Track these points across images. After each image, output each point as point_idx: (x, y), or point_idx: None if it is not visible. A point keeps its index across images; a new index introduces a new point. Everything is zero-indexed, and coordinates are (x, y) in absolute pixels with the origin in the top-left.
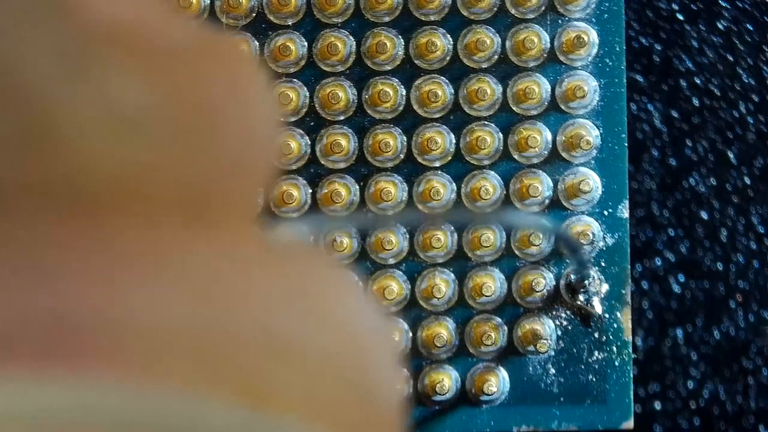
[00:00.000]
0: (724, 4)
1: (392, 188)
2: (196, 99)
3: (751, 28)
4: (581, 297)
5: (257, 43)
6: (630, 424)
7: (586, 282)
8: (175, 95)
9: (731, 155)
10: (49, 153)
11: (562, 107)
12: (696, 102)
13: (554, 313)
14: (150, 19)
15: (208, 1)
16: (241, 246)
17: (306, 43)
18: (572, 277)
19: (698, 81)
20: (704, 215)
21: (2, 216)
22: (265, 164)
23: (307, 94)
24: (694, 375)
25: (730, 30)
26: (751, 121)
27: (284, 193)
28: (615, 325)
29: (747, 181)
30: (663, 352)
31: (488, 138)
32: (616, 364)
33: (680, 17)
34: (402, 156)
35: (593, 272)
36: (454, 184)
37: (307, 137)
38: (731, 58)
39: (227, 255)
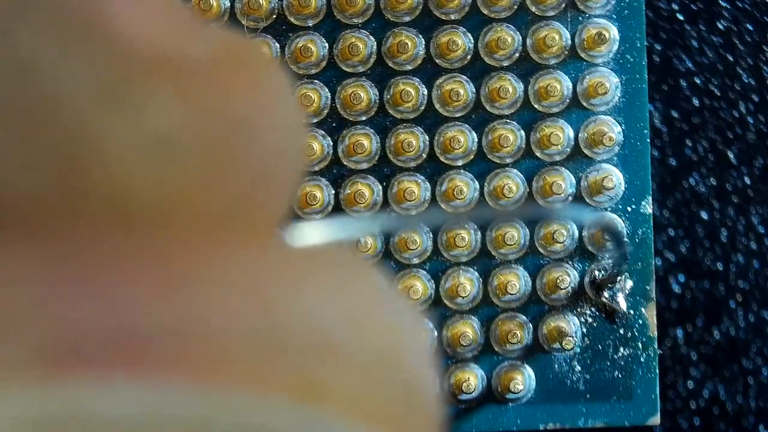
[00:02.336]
0: (724, 4)
1: (415, 188)
2: (226, 112)
3: (751, 28)
4: (606, 294)
5: (278, 45)
6: (657, 419)
7: (620, 277)
8: (205, 111)
9: (731, 155)
10: (93, 176)
11: (584, 104)
12: (696, 102)
13: (579, 310)
14: (177, 37)
15: (229, 4)
16: (279, 252)
17: (327, 44)
18: (597, 273)
19: (698, 81)
20: (704, 215)
21: (62, 234)
22: (295, 169)
23: (329, 95)
24: (694, 375)
25: (730, 30)
26: (751, 121)
27: (308, 195)
28: (640, 321)
29: (747, 181)
30: (663, 352)
31: (511, 136)
32: (642, 360)
33: (680, 17)
34: (425, 155)
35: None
36: (477, 182)
37: (329, 138)
38: (731, 58)
39: (268, 261)
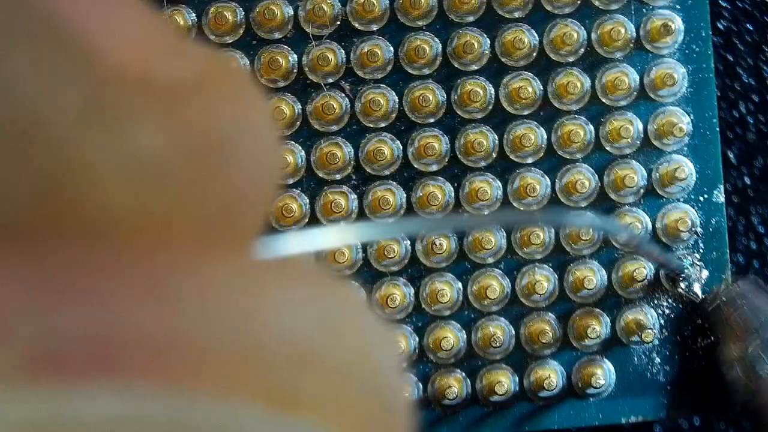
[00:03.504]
0: (724, 4)
1: (487, 187)
2: (205, 129)
3: (751, 28)
4: (682, 284)
5: (343, 51)
6: (736, 407)
7: (684, 273)
8: (185, 129)
9: (731, 155)
10: (76, 193)
11: (651, 96)
12: None
13: (656, 302)
14: (158, 57)
15: (292, 12)
16: (254, 263)
17: (392, 48)
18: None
19: None
20: None
21: (45, 247)
22: (272, 182)
23: (396, 98)
24: None
25: (730, 30)
26: (751, 121)
27: (380, 199)
28: None
29: (747, 181)
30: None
31: (580, 131)
32: None
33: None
34: (495, 154)
35: (687, 263)
36: (548, 179)
37: (398, 141)
38: (731, 58)
39: (244, 273)
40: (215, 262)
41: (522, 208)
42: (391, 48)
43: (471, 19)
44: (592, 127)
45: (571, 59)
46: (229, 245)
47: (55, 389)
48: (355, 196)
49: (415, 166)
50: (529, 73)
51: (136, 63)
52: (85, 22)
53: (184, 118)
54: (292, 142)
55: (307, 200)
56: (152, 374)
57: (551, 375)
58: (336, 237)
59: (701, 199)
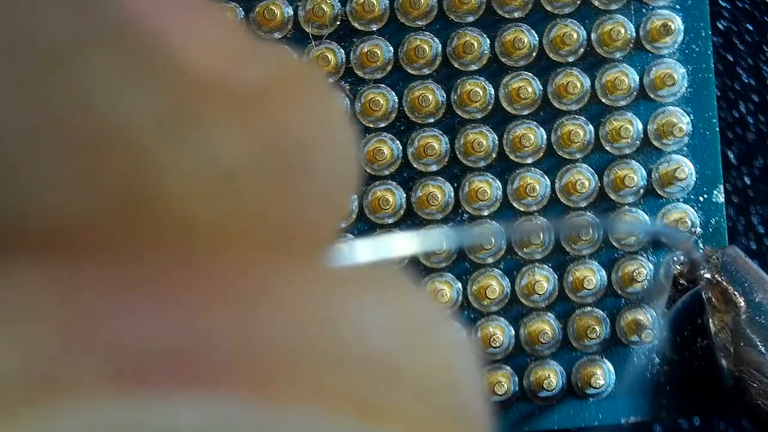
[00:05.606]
0: (724, 4)
1: (487, 188)
2: (283, 136)
3: (751, 28)
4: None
5: (343, 52)
6: (736, 408)
7: (699, 272)
8: (263, 137)
9: (731, 155)
10: (154, 202)
11: (651, 96)
12: None
13: (656, 303)
14: (237, 63)
15: (292, 12)
16: (338, 271)
17: (392, 48)
18: (675, 266)
19: None
20: None
21: (125, 257)
22: (348, 190)
23: (396, 98)
24: None
25: (730, 30)
26: (751, 121)
27: (380, 199)
28: None
29: (747, 181)
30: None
31: (580, 131)
32: None
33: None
34: (494, 154)
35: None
36: (547, 179)
37: (398, 141)
38: (731, 58)
39: (330, 281)
40: (297, 269)
41: (522, 209)
42: (391, 48)
43: (471, 19)
44: (591, 127)
45: (571, 59)
46: (307, 252)
47: (142, 399)
48: (355, 196)
49: (415, 166)
50: (529, 73)
51: (214, 68)
52: (162, 28)
53: (262, 123)
54: None
55: None
56: (239, 384)
57: (551, 375)
58: (408, 244)
59: (701, 199)
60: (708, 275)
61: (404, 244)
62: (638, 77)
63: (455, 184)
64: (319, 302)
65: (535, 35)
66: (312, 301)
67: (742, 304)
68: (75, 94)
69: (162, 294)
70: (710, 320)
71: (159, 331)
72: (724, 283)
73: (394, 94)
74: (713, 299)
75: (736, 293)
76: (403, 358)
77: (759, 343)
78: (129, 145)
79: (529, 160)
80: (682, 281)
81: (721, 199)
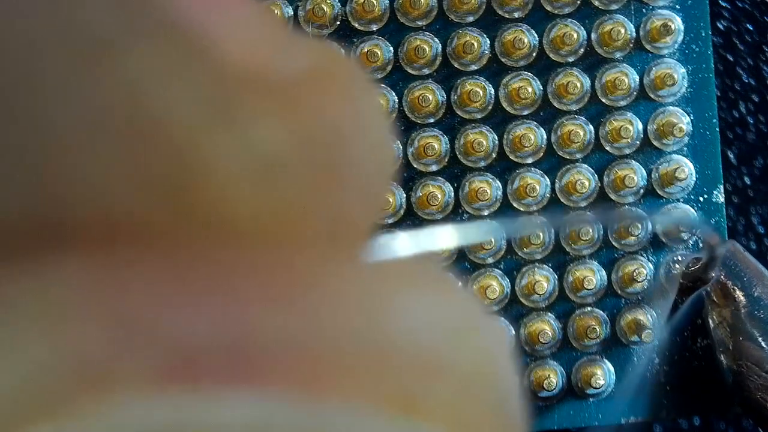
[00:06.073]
0: (724, 4)
1: (487, 188)
2: (322, 127)
3: (751, 28)
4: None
5: (343, 52)
6: (737, 408)
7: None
8: (303, 127)
9: (731, 155)
10: (200, 194)
11: (651, 96)
12: None
13: (658, 302)
14: (277, 55)
15: (292, 12)
16: (379, 265)
17: (392, 48)
18: (675, 265)
19: None
20: None
21: (172, 249)
22: (386, 181)
23: (396, 98)
24: None
25: (730, 30)
26: (751, 121)
27: None
28: None
29: (747, 181)
30: None
31: (580, 131)
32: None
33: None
34: (494, 155)
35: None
36: (547, 179)
37: (398, 141)
38: (731, 58)
39: (371, 275)
40: (341, 263)
41: (522, 209)
42: (391, 48)
43: (471, 19)
44: (591, 128)
45: (570, 59)
46: (350, 244)
47: (192, 395)
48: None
49: (415, 166)
50: (529, 74)
51: (254, 61)
52: (202, 19)
53: (301, 114)
54: None
55: None
56: (285, 379)
57: (551, 375)
58: (446, 238)
59: (701, 199)
60: (716, 275)
61: (448, 237)
62: (638, 77)
63: (455, 184)
64: (364, 297)
65: (535, 35)
66: (357, 295)
67: (741, 298)
68: (120, 86)
69: (209, 289)
70: (709, 315)
71: (206, 327)
72: (723, 278)
73: (394, 94)
74: (712, 294)
75: (735, 288)
76: (447, 354)
77: (758, 338)
78: (172, 138)
79: (529, 160)
80: (684, 281)
81: (721, 199)
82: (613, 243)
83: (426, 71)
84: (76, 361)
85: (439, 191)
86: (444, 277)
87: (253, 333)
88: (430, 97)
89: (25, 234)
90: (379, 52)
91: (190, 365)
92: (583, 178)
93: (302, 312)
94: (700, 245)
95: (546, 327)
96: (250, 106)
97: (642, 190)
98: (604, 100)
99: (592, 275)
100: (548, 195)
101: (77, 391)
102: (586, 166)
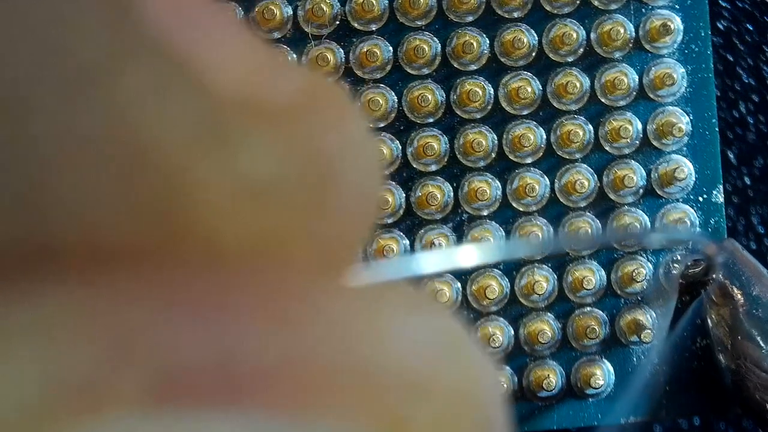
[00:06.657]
0: (724, 4)
1: (486, 187)
2: (311, 154)
3: (751, 28)
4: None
5: (342, 51)
6: (737, 408)
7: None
8: (293, 154)
9: (731, 155)
10: (189, 218)
11: (651, 96)
12: None
13: (657, 303)
14: (267, 81)
15: (291, 12)
16: (366, 289)
17: (391, 48)
18: (675, 265)
19: None
20: None
21: (162, 272)
22: (374, 210)
23: (395, 98)
24: None
25: (730, 30)
26: (751, 121)
27: (379, 200)
28: None
29: (747, 181)
30: None
31: (579, 131)
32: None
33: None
34: (494, 154)
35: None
36: (547, 178)
37: (397, 141)
38: (731, 58)
39: (359, 298)
40: (329, 285)
41: (521, 209)
42: (390, 48)
43: (470, 19)
44: (591, 127)
45: (570, 59)
46: (338, 266)
47: (180, 415)
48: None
49: (414, 166)
50: (529, 73)
51: (244, 85)
52: (193, 44)
53: (292, 139)
54: None
55: None
56: (275, 401)
57: (550, 375)
58: (438, 262)
59: (701, 199)
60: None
61: (434, 261)
62: (638, 77)
63: (455, 184)
64: (351, 319)
65: (535, 35)
66: (344, 318)
67: (740, 298)
68: (110, 110)
69: (197, 310)
70: (708, 315)
71: (195, 348)
72: (722, 277)
73: (393, 93)
74: (711, 294)
75: (733, 287)
76: (432, 375)
77: (757, 337)
78: (162, 162)
79: (529, 160)
80: (684, 281)
81: (721, 199)
82: (613, 243)
83: (425, 71)
84: (65, 381)
85: (439, 191)
86: (430, 300)
87: (242, 354)
88: (430, 97)
89: (15, 257)
90: (378, 52)
91: (177, 386)
92: (583, 177)
93: (290, 334)
94: (699, 248)
95: (545, 327)
96: (239, 131)
97: (641, 190)
98: (603, 100)
99: (591, 275)
100: (548, 195)
101: (66, 412)
102: (585, 165)
